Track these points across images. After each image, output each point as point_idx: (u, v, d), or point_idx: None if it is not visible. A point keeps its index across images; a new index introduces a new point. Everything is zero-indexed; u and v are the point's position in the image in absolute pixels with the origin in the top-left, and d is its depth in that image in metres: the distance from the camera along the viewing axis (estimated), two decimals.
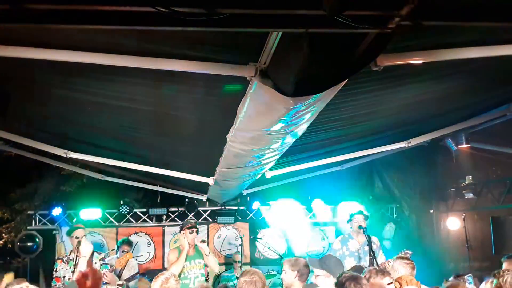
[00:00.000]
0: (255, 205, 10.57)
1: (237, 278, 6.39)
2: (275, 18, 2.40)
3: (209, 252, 6.45)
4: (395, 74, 4.00)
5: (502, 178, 8.74)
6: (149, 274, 8.98)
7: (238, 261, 8.99)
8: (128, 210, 10.17)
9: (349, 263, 6.85)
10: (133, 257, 8.53)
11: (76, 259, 5.88)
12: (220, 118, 4.65)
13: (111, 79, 3.85)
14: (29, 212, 10.47)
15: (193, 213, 10.51)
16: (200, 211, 10.66)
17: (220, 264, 10.12)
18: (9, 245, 12.01)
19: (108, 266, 6.58)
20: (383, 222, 10.40)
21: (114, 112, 4.90)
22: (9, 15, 2.28)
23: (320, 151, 7.03)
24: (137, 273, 8.12)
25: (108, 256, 6.84)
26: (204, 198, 10.15)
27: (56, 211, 9.76)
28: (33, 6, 2.26)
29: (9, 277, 5.85)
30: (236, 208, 10.60)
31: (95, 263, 6.43)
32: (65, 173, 10.87)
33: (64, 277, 6.39)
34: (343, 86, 3.49)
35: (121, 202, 10.18)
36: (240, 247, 9.25)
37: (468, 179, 9.06)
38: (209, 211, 10.69)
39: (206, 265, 6.59)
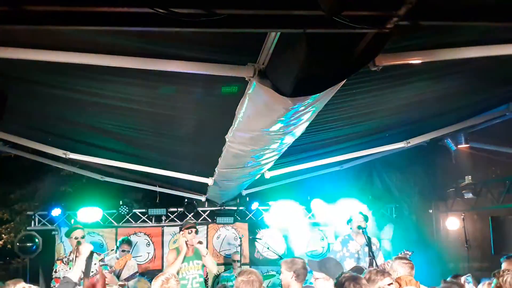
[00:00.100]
0: (254, 205, 10.57)
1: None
2: (273, 19, 2.40)
3: (207, 253, 6.45)
4: (393, 74, 4.00)
5: (502, 178, 8.73)
6: (148, 274, 8.99)
7: (237, 261, 9.00)
8: (127, 211, 10.16)
9: (349, 264, 6.85)
10: (133, 257, 8.53)
11: (75, 259, 5.88)
12: (219, 119, 4.65)
13: (110, 79, 3.85)
14: (28, 212, 10.47)
15: (192, 214, 10.51)
16: (199, 211, 10.65)
17: (219, 264, 10.15)
18: (9, 246, 12.02)
19: (108, 266, 6.58)
20: (382, 222, 10.39)
21: (113, 113, 4.90)
22: (8, 17, 2.27)
23: (319, 151, 7.03)
24: (136, 272, 8.11)
25: (108, 256, 6.85)
26: (203, 198, 10.16)
27: (56, 212, 9.75)
28: (32, 7, 2.26)
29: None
30: (235, 208, 10.60)
31: (95, 264, 6.43)
32: (65, 173, 10.88)
33: (64, 277, 6.39)
34: (341, 86, 3.49)
35: (121, 203, 10.17)
36: (239, 247, 9.26)
37: (468, 179, 9.06)
38: (208, 211, 10.69)
39: (204, 266, 6.60)
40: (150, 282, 4.67)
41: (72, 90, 4.26)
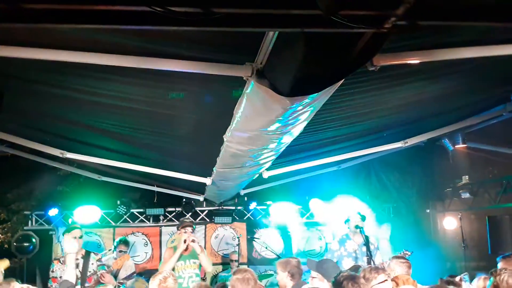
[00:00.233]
0: (252, 205, 10.57)
1: None
2: (271, 18, 2.40)
3: (201, 251, 6.46)
4: (391, 74, 4.01)
5: (499, 178, 8.76)
6: (146, 274, 8.98)
7: (235, 261, 9.01)
8: (125, 210, 10.16)
9: (347, 264, 6.87)
10: (130, 257, 8.52)
11: (74, 259, 5.86)
12: (217, 118, 4.64)
13: (108, 78, 3.84)
14: (25, 212, 10.44)
15: (190, 213, 10.50)
16: (198, 211, 10.65)
17: (217, 264, 10.16)
18: (6, 246, 11.97)
19: (105, 266, 6.58)
20: (380, 221, 10.40)
21: (111, 112, 4.90)
22: (6, 15, 2.27)
23: (317, 151, 7.03)
24: (134, 272, 8.10)
25: (105, 256, 6.83)
26: (201, 198, 10.15)
27: (53, 212, 9.73)
28: (30, 6, 2.26)
29: (4, 263, 5.82)
30: (233, 208, 10.60)
31: (92, 263, 6.42)
32: (62, 173, 10.85)
33: (60, 277, 6.38)
34: (339, 86, 3.50)
35: (118, 202, 10.16)
36: (237, 247, 9.27)
37: (465, 179, 9.09)
38: (207, 211, 10.69)
39: (200, 265, 6.61)
40: (148, 282, 4.67)
41: (70, 89, 4.25)
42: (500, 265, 5.04)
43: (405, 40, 3.36)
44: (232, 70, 3.31)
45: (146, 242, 10.35)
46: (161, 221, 10.46)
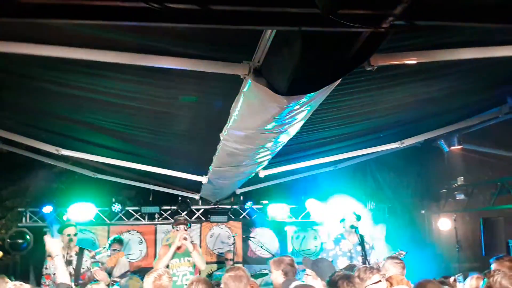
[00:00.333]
0: (248, 204, 10.59)
1: None
2: (269, 16, 2.39)
3: (193, 249, 6.46)
4: (388, 74, 4.01)
5: (493, 180, 8.78)
6: (140, 272, 8.96)
7: (231, 260, 9.00)
8: (120, 208, 10.13)
9: (342, 263, 6.88)
10: (125, 255, 8.50)
11: (66, 256, 5.85)
12: (213, 117, 4.64)
13: (104, 75, 3.82)
14: (19, 209, 10.40)
15: (185, 212, 10.49)
16: (193, 209, 10.64)
17: (212, 262, 10.16)
18: (0, 243, 11.91)
19: (99, 264, 6.56)
20: (375, 221, 10.43)
21: (107, 109, 4.87)
22: (2, 10, 2.26)
23: (313, 150, 7.04)
24: (128, 271, 8.09)
25: (99, 254, 6.82)
26: (197, 196, 10.14)
27: (47, 209, 9.70)
28: (25, 0, 2.24)
29: None
30: (229, 207, 10.60)
31: (86, 260, 6.41)
32: (57, 170, 10.81)
33: (54, 274, 6.38)
34: (336, 85, 3.50)
35: (113, 200, 10.13)
36: (232, 245, 9.26)
37: (460, 180, 9.11)
38: (202, 209, 10.68)
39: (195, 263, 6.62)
40: (143, 280, 4.65)
41: (66, 86, 4.23)
42: (493, 266, 5.04)
43: (402, 41, 3.36)
44: (229, 68, 3.30)
45: (141, 240, 10.33)
46: (156, 220, 10.45)
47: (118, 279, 7.29)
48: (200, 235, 10.53)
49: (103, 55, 3.27)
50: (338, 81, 3.38)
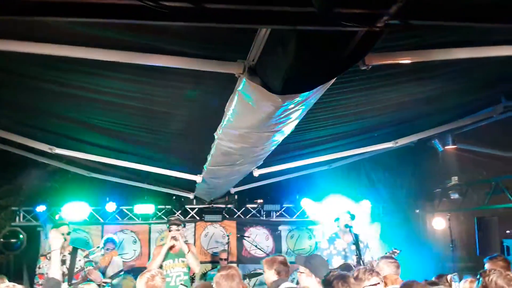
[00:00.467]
0: (243, 203, 10.60)
1: None
2: (264, 15, 2.38)
3: (188, 251, 6.44)
4: (383, 73, 4.01)
5: (488, 179, 8.81)
6: (134, 272, 8.93)
7: (225, 259, 8.99)
8: (114, 207, 10.09)
9: (336, 262, 6.89)
10: (119, 254, 8.47)
11: (60, 255, 5.82)
12: (208, 116, 4.62)
13: (99, 73, 3.80)
14: (13, 208, 10.34)
15: (180, 211, 10.47)
16: (187, 209, 10.62)
17: (206, 262, 10.14)
18: None
19: (93, 263, 6.54)
20: (370, 221, 10.45)
21: (101, 107, 4.85)
22: None
23: (308, 150, 7.03)
24: (121, 270, 8.07)
25: (93, 254, 6.80)
26: (191, 196, 10.12)
27: (41, 208, 9.66)
28: None
29: None
30: (223, 206, 10.58)
31: (79, 260, 6.39)
32: (51, 169, 10.75)
33: (47, 274, 6.35)
34: (331, 85, 3.50)
35: (107, 199, 10.09)
36: (227, 245, 9.26)
37: (454, 179, 9.13)
38: (197, 209, 10.66)
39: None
40: (136, 280, 4.64)
41: (59, 84, 4.20)
42: (487, 266, 5.06)
43: (397, 40, 3.36)
44: (224, 67, 3.29)
45: (135, 239, 10.30)
46: (150, 219, 10.41)
47: (109, 281, 7.26)
48: (195, 235, 10.51)
49: (98, 54, 3.25)
50: (333, 80, 3.38)
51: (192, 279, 7.32)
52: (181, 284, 6.40)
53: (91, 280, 6.16)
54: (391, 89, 4.69)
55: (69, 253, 6.26)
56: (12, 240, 9.56)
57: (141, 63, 3.33)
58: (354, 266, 5.68)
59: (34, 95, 4.61)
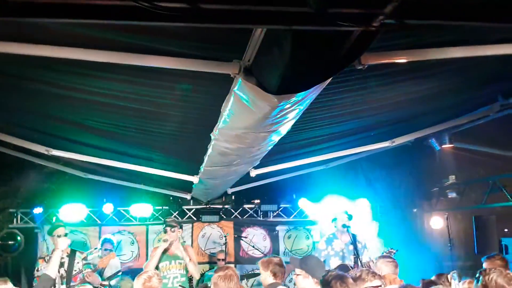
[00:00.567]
0: (240, 204, 10.59)
1: None
2: (259, 14, 2.38)
3: (189, 261, 6.43)
4: (379, 73, 4.01)
5: (485, 178, 8.82)
6: (132, 273, 8.91)
7: (222, 260, 8.99)
8: (111, 209, 10.08)
9: (334, 263, 6.89)
10: (117, 255, 8.45)
11: (59, 257, 5.81)
12: (204, 116, 4.61)
13: (94, 74, 3.80)
14: (10, 210, 10.32)
15: (177, 212, 10.46)
16: (185, 209, 10.61)
17: (204, 263, 10.14)
18: None
19: (91, 265, 6.53)
20: (371, 218, 10.46)
21: (97, 109, 4.83)
22: None
23: (305, 149, 7.03)
24: (119, 271, 8.05)
25: (91, 255, 6.79)
26: (188, 196, 10.11)
27: (38, 210, 9.65)
28: None
29: None
30: (220, 206, 10.57)
31: (78, 262, 6.37)
32: (48, 170, 10.73)
33: (43, 274, 6.33)
34: (327, 84, 3.49)
35: (104, 200, 10.08)
36: (224, 245, 9.25)
37: (451, 178, 9.14)
38: (194, 209, 10.65)
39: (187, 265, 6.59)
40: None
41: (55, 85, 4.19)
42: (485, 265, 5.06)
43: (393, 39, 3.36)
44: (219, 67, 3.28)
45: (133, 240, 10.29)
46: (147, 220, 10.40)
47: (106, 283, 7.25)
48: (192, 235, 10.50)
49: (94, 55, 3.24)
50: (329, 80, 3.37)
51: (190, 280, 7.31)
52: (179, 286, 6.38)
53: (87, 282, 6.16)
54: (387, 88, 4.69)
55: (67, 256, 6.24)
56: (10, 242, 9.54)
57: (137, 64, 3.32)
58: (351, 266, 5.68)
59: (30, 97, 4.60)
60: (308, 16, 2.28)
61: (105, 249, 8.34)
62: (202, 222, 10.54)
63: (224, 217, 10.67)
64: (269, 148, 5.33)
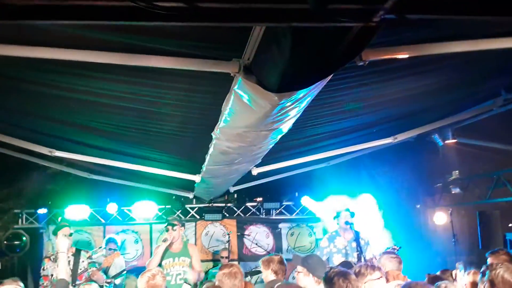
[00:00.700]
0: (242, 202, 10.61)
1: None
2: (258, 12, 2.36)
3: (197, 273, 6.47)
4: (380, 69, 3.98)
5: (489, 173, 8.79)
6: (137, 271, 8.93)
7: (226, 258, 9.00)
8: (115, 208, 10.11)
9: (337, 260, 6.89)
10: (121, 254, 8.49)
11: (66, 257, 5.83)
12: (205, 116, 4.61)
13: (94, 76, 3.79)
14: (15, 211, 10.37)
15: (180, 211, 10.48)
16: (187, 208, 10.64)
17: (208, 260, 10.17)
18: None
19: (96, 264, 6.57)
20: (370, 217, 10.42)
21: (98, 110, 4.83)
22: None
23: (306, 147, 7.01)
24: (124, 270, 8.09)
25: (96, 254, 6.82)
26: (191, 195, 10.12)
27: (43, 210, 9.71)
28: (11, 1, 2.21)
29: None
30: (223, 205, 10.60)
31: (83, 261, 6.41)
32: (52, 171, 10.76)
33: (51, 275, 6.39)
34: (328, 81, 3.47)
35: (108, 200, 10.11)
36: (227, 243, 9.27)
37: (455, 174, 9.11)
38: (196, 208, 10.68)
39: (192, 264, 6.62)
40: None
41: (55, 87, 4.19)
42: (489, 260, 5.04)
43: (393, 35, 3.34)
44: (219, 66, 3.27)
45: (137, 239, 10.32)
46: (151, 219, 10.43)
47: (111, 281, 7.28)
48: (195, 234, 10.54)
49: (91, 56, 3.24)
50: (330, 77, 3.36)
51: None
52: (185, 283, 6.40)
53: (93, 280, 6.18)
54: (389, 84, 4.66)
55: (72, 255, 6.29)
56: (16, 242, 9.60)
57: (136, 64, 3.32)
58: (354, 263, 5.67)
59: (31, 99, 4.60)
60: (307, 13, 2.26)
61: (109, 249, 8.37)
62: (205, 221, 10.57)
63: (227, 215, 10.69)
64: (271, 146, 5.31)
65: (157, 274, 4.32)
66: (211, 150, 5.39)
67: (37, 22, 2.47)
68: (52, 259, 6.48)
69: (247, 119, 3.96)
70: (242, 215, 10.82)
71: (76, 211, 9.72)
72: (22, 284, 4.72)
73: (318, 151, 7.23)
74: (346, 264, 5.33)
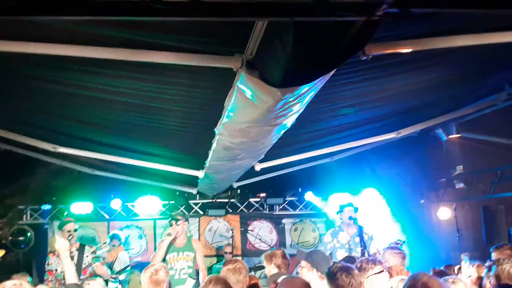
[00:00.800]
0: (246, 197, 10.61)
1: None
2: (261, 7, 2.35)
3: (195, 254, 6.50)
4: (384, 63, 3.97)
5: (493, 168, 8.74)
6: (141, 267, 8.96)
7: (229, 253, 9.03)
8: (119, 204, 10.14)
9: (340, 255, 6.89)
10: (125, 250, 8.52)
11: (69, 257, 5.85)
12: (208, 111, 4.61)
13: (96, 71, 3.80)
14: (20, 207, 10.42)
15: (183, 206, 10.50)
16: (191, 204, 10.65)
17: (211, 256, 10.20)
18: (4, 241, 11.94)
19: (100, 259, 6.58)
20: (373, 212, 10.41)
21: (101, 105, 4.84)
22: None
23: (309, 143, 7.00)
24: (128, 265, 8.12)
25: (100, 249, 6.84)
26: (194, 191, 10.14)
27: (47, 206, 9.75)
28: None
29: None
30: (226, 200, 10.61)
31: (87, 256, 6.43)
32: (56, 167, 10.80)
33: (56, 270, 6.42)
34: (331, 76, 3.46)
35: (112, 196, 10.14)
36: (231, 239, 9.29)
37: (459, 169, 9.06)
38: (200, 204, 10.70)
39: (195, 259, 6.64)
40: None
41: (59, 83, 4.20)
42: (493, 255, 5.04)
43: (397, 29, 3.33)
44: (221, 62, 3.27)
45: (141, 235, 10.36)
46: (155, 214, 10.45)
47: (116, 276, 7.30)
48: (199, 229, 10.57)
49: (94, 52, 3.24)
50: (333, 72, 3.35)
51: (197, 272, 7.35)
52: (188, 276, 6.42)
53: (98, 275, 6.20)
54: (392, 79, 4.65)
55: (76, 250, 6.32)
56: (20, 238, 9.64)
57: (139, 60, 3.32)
58: (358, 258, 5.67)
59: (35, 95, 4.62)
60: (309, 7, 2.25)
61: (113, 245, 8.39)
62: (209, 216, 10.60)
63: (230, 211, 10.71)
64: (274, 141, 5.31)
65: (160, 269, 4.33)
66: (214, 145, 5.39)
67: (38, 18, 2.47)
68: (56, 254, 6.50)
69: (250, 115, 3.95)
70: (246, 210, 10.83)
71: (81, 207, 9.75)
72: (29, 279, 4.74)
73: (322, 146, 7.22)
74: (350, 259, 5.34)
